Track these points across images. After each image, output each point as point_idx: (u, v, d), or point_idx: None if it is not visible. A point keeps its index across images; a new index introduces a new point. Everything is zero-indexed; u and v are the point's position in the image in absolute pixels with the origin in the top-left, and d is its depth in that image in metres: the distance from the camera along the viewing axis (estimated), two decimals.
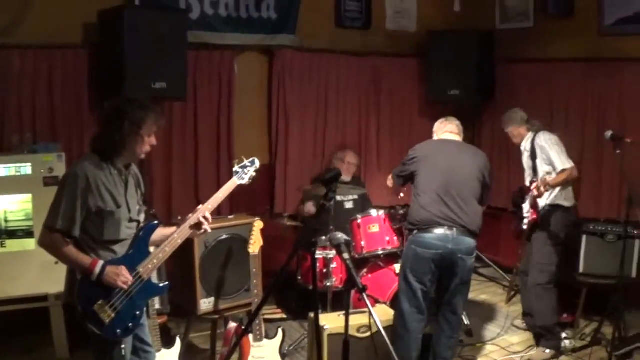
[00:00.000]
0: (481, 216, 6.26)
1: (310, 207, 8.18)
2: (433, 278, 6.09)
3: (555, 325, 7.36)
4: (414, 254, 6.05)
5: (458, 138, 6.55)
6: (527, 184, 7.54)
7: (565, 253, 7.88)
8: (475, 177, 6.22)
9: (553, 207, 7.31)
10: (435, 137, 6.65)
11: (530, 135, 7.54)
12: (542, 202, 7.26)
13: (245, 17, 8.34)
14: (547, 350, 7.32)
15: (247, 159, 5.23)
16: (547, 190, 6.95)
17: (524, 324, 7.99)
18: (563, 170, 7.20)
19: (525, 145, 7.60)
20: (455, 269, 6.03)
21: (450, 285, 6.11)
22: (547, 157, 7.29)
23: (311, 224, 5.22)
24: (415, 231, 6.13)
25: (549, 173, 7.26)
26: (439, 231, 5.98)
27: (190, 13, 7.86)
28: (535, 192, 6.87)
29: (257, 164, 5.24)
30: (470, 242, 6.08)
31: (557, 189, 7.26)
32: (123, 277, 4.35)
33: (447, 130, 6.55)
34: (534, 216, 7.30)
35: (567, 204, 7.36)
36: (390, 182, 6.88)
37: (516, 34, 9.78)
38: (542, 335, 7.36)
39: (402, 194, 7.16)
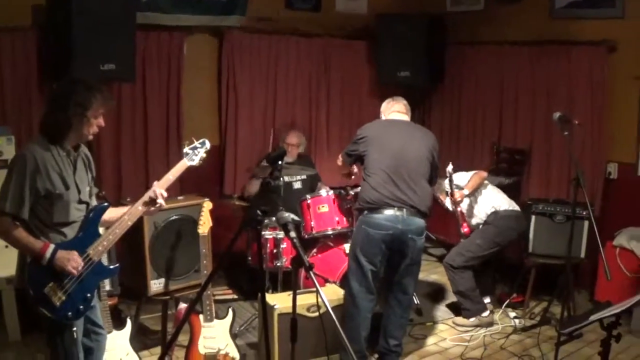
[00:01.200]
0: (431, 196, 6.37)
1: (253, 186, 8.23)
2: (383, 258, 6.14)
3: (473, 289, 7.52)
4: (365, 234, 6.09)
5: (406, 117, 6.61)
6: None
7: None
8: (424, 157, 6.27)
9: (493, 214, 7.61)
10: (383, 117, 6.68)
11: None
12: (482, 216, 7.66)
13: None
14: (472, 319, 7.53)
15: (197, 140, 5.23)
16: (462, 197, 7.47)
17: None
18: (476, 173, 7.56)
19: None
20: (405, 249, 6.10)
21: (400, 265, 6.18)
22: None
23: (256, 203, 5.23)
24: (366, 212, 6.18)
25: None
26: (389, 212, 6.03)
27: None
28: (451, 202, 7.16)
29: (208, 145, 5.23)
30: (420, 222, 6.14)
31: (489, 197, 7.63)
32: (74, 262, 4.34)
33: (394, 110, 6.59)
34: (466, 230, 7.63)
35: (504, 207, 7.67)
36: (340, 161, 6.85)
37: (467, 17, 9.87)
38: (460, 303, 7.59)
39: (353, 176, 7.15)
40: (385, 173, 6.09)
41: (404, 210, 6.04)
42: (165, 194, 4.84)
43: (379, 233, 6.02)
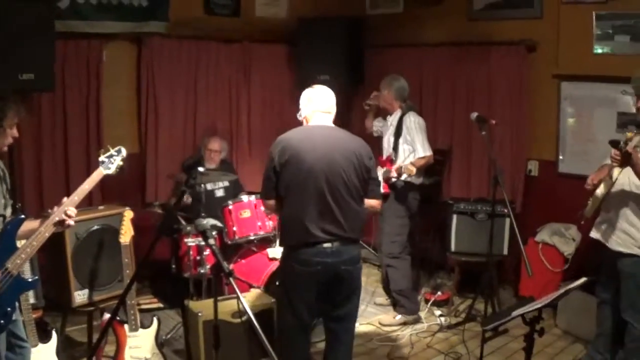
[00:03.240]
0: (363, 217, 5.53)
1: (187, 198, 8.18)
2: (315, 293, 5.38)
3: (411, 290, 7.71)
4: (291, 270, 5.36)
5: (330, 117, 5.60)
6: (384, 157, 7.77)
7: (437, 233, 8.11)
8: (353, 174, 5.34)
9: (404, 184, 7.54)
10: (303, 115, 5.65)
11: (399, 112, 7.69)
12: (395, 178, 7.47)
13: (115, 4, 8.21)
14: (398, 317, 7.66)
15: (113, 148, 5.19)
16: (409, 175, 7.17)
17: (388, 299, 8.31)
18: (423, 157, 7.44)
19: (392, 121, 7.76)
20: (339, 282, 5.37)
21: (335, 299, 5.46)
22: (411, 139, 7.48)
23: (171, 211, 5.20)
24: (289, 247, 5.45)
25: (411, 152, 7.52)
26: (316, 247, 5.25)
27: (59, 1, 7.70)
28: (395, 174, 7.10)
29: (124, 152, 5.18)
30: (353, 251, 5.42)
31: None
32: None
33: (318, 109, 5.56)
34: (385, 190, 7.45)
35: (416, 182, 7.66)
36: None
37: (386, 19, 9.97)
38: (398, 300, 7.69)
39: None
40: (306, 202, 5.25)
41: (333, 243, 5.26)
42: (73, 213, 4.77)
43: (306, 269, 5.25)
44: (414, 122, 7.56)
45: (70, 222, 4.74)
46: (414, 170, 7.11)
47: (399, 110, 7.74)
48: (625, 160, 5.37)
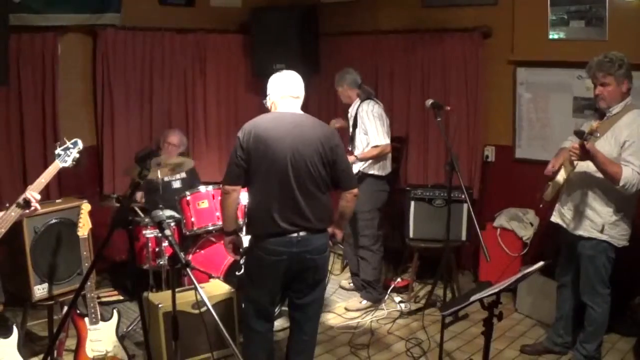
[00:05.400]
0: (329, 207, 5.52)
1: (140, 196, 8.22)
2: (281, 282, 5.47)
3: (378, 280, 7.81)
4: (257, 258, 5.38)
5: (298, 103, 5.56)
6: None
7: (396, 219, 8.14)
8: (319, 163, 5.31)
9: (364, 175, 7.62)
10: (270, 100, 5.56)
11: (357, 101, 7.72)
12: (356, 169, 7.44)
13: None
14: (364, 302, 7.79)
15: (69, 141, 5.15)
16: (354, 163, 7.25)
17: (351, 284, 8.38)
18: (376, 146, 7.46)
19: (352, 112, 7.78)
20: (305, 271, 5.43)
21: (301, 286, 5.53)
22: (365, 128, 7.50)
23: (126, 202, 5.17)
24: (255, 237, 5.46)
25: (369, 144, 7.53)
26: (282, 237, 5.27)
27: None
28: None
29: (80, 144, 5.17)
30: (319, 240, 5.43)
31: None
32: None
33: (286, 94, 5.48)
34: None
35: (378, 173, 7.74)
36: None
37: (341, 7, 9.99)
38: (364, 287, 7.79)
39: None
40: (273, 192, 5.24)
41: (299, 232, 5.28)
42: (38, 197, 4.76)
43: (271, 258, 5.28)
44: (366, 112, 7.58)
45: (35, 204, 4.73)
46: (352, 159, 7.26)
47: (357, 100, 7.76)
48: (584, 153, 5.42)
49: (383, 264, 8.20)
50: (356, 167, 7.45)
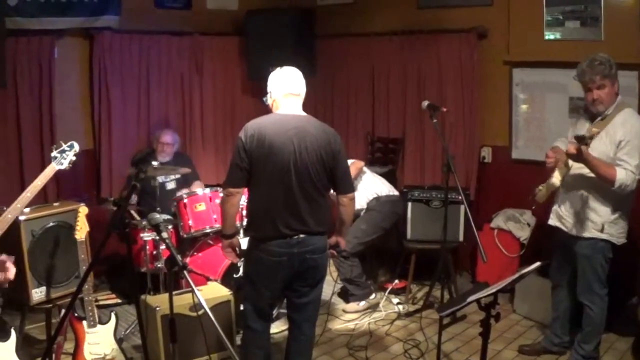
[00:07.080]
0: (329, 210, 5.53)
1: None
2: (281, 282, 5.41)
3: (360, 275, 7.76)
4: (257, 258, 5.34)
5: (299, 101, 5.49)
6: None
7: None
8: (320, 168, 5.26)
9: (374, 200, 7.79)
10: (271, 98, 5.51)
11: None
12: (364, 203, 7.69)
13: (65, 1, 8.10)
14: (361, 303, 7.78)
15: (65, 144, 5.15)
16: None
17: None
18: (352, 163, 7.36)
19: None
20: (305, 271, 5.39)
21: (302, 286, 5.49)
22: None
23: (123, 205, 5.21)
24: (255, 238, 5.40)
25: None
26: (281, 240, 5.23)
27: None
28: None
29: (77, 147, 5.17)
30: (319, 241, 5.39)
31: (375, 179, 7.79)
32: None
33: (288, 92, 5.44)
34: None
35: (385, 193, 7.89)
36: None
37: (337, 10, 9.99)
38: (347, 290, 7.77)
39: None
40: (275, 196, 5.19)
41: (299, 235, 5.25)
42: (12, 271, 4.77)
43: (271, 259, 5.25)
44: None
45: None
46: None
47: None
48: (579, 156, 5.42)
49: (369, 262, 8.32)
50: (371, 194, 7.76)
